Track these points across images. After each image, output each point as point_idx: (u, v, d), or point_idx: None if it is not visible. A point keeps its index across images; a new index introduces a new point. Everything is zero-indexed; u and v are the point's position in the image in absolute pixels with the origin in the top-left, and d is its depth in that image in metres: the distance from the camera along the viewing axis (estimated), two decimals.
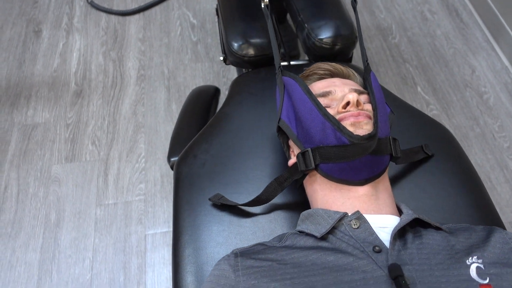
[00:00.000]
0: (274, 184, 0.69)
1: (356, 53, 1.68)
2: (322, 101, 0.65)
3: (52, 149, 1.46)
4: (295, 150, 0.68)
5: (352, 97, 0.60)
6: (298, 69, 0.99)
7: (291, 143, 0.70)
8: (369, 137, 0.56)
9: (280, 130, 0.72)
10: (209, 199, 0.74)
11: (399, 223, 0.55)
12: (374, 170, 0.60)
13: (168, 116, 1.54)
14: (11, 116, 1.54)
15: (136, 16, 1.85)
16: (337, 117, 0.60)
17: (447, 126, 1.52)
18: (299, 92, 0.64)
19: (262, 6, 0.76)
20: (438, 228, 0.58)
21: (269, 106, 0.88)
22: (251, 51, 0.98)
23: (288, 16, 1.59)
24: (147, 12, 1.87)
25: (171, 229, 1.30)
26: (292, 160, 0.67)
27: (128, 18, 1.85)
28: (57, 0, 1.92)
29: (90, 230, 1.30)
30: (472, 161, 1.44)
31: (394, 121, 0.69)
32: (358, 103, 0.60)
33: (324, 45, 0.98)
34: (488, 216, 0.73)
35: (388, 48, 1.75)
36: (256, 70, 0.98)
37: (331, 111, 0.63)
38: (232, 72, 1.66)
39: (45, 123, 1.53)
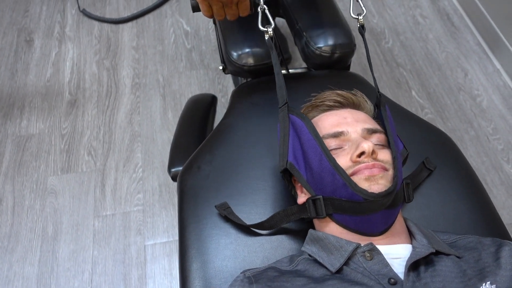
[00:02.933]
0: (281, 215, 0.67)
1: (354, 60, 1.69)
2: (334, 142, 0.62)
3: (47, 160, 1.45)
4: (303, 188, 0.65)
5: (368, 147, 0.57)
6: (296, 78, 0.99)
7: (297, 182, 0.67)
8: (386, 194, 0.54)
9: (285, 171, 0.67)
10: (215, 207, 0.74)
11: (413, 254, 0.54)
12: (389, 222, 0.59)
13: (164, 125, 1.53)
14: (5, 127, 1.52)
15: (129, 24, 1.84)
16: (351, 169, 0.58)
17: (442, 130, 1.53)
18: (307, 135, 0.61)
19: (266, 38, 0.75)
20: (448, 254, 0.57)
21: (271, 115, 0.88)
22: (250, 61, 0.97)
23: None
24: (140, 20, 1.86)
25: (171, 239, 1.29)
26: (302, 200, 0.64)
27: (121, 26, 1.84)
28: (48, 8, 1.90)
29: (89, 242, 1.29)
30: None
31: (405, 156, 0.67)
32: (373, 152, 0.58)
33: (323, 54, 0.98)
34: (491, 221, 0.74)
35: (381, 53, 1.76)
36: (256, 79, 0.98)
37: (343, 156, 0.60)
38: (228, 79, 1.66)
39: (39, 134, 1.51)
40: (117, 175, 1.41)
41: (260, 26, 0.75)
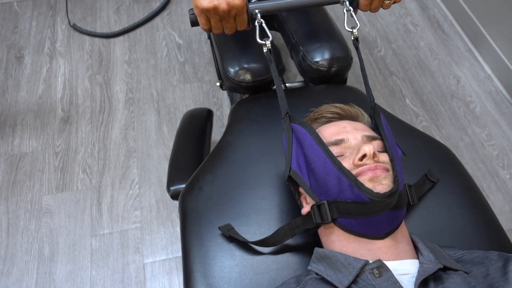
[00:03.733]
0: (285, 229, 0.66)
1: (350, 74, 1.70)
2: (335, 149, 0.63)
3: (41, 179, 1.42)
4: (307, 198, 0.66)
5: (369, 149, 0.58)
6: (295, 93, 0.99)
7: (302, 190, 0.68)
8: (391, 194, 0.55)
9: (290, 178, 0.69)
10: (219, 228, 0.73)
11: (422, 271, 0.54)
12: (394, 223, 0.59)
13: (160, 139, 1.52)
14: None
15: (121, 38, 1.83)
16: (354, 172, 0.59)
17: (437, 138, 1.54)
18: (310, 142, 0.62)
19: (265, 50, 0.75)
20: (456, 269, 0.58)
21: (271, 132, 0.88)
22: (248, 77, 0.97)
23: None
24: (131, 34, 1.85)
25: (170, 256, 1.28)
26: (306, 209, 0.64)
27: (112, 40, 1.82)
28: (38, 24, 1.88)
29: (86, 262, 1.26)
30: None
31: (404, 163, 0.68)
32: (374, 155, 0.59)
33: (320, 68, 0.98)
34: (495, 235, 0.74)
35: (374, 62, 1.77)
36: (254, 96, 0.97)
37: (346, 161, 0.61)
38: (222, 92, 1.65)
39: (32, 152, 1.49)
40: (113, 192, 1.40)
41: (258, 39, 0.75)
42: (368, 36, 1.86)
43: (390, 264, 0.57)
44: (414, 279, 0.54)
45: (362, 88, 1.63)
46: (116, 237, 1.31)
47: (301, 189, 0.69)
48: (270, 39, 0.74)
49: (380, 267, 0.55)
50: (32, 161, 1.47)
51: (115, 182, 1.42)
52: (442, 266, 0.56)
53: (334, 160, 0.58)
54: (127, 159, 1.47)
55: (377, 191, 0.55)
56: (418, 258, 0.60)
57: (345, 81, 1.07)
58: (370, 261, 0.57)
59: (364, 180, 0.57)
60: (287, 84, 1.09)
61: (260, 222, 0.75)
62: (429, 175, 0.78)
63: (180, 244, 1.29)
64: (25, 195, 1.39)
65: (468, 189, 0.80)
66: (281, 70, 1.69)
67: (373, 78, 1.72)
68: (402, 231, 0.62)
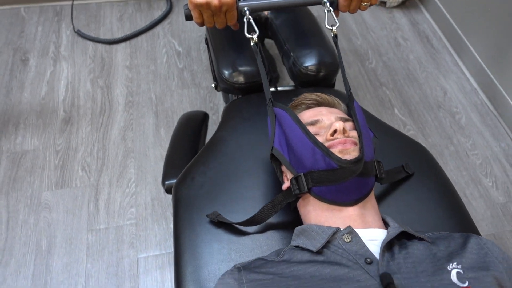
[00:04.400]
0: (268, 206, 0.73)
1: (339, 79, 1.77)
2: (311, 129, 0.71)
3: (42, 175, 1.48)
4: (288, 175, 0.73)
5: (339, 125, 0.66)
6: (285, 94, 1.05)
7: (284, 168, 0.75)
8: (356, 161, 0.62)
9: (273, 157, 0.76)
10: (207, 216, 0.79)
11: (387, 236, 0.61)
12: (362, 191, 0.66)
13: (157, 141, 1.58)
14: None
15: (123, 44, 1.91)
16: (326, 144, 0.66)
17: (424, 145, 1.61)
18: (290, 122, 0.70)
19: (252, 44, 0.82)
20: (421, 239, 0.64)
21: (261, 129, 0.94)
22: (241, 79, 1.04)
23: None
24: (133, 41, 1.93)
25: (163, 251, 1.32)
26: (286, 185, 0.72)
27: (115, 46, 1.90)
28: (44, 29, 1.95)
29: (82, 255, 1.31)
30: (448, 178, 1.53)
31: (377, 144, 0.75)
32: (344, 131, 0.67)
33: (309, 72, 1.05)
34: (464, 224, 0.80)
35: (365, 73, 1.85)
36: (246, 96, 1.04)
37: (320, 138, 0.68)
38: (218, 98, 1.72)
39: (34, 150, 1.54)
40: (111, 190, 1.45)
41: (246, 34, 0.81)
42: (360, 48, 1.94)
43: (359, 231, 0.63)
44: (381, 244, 0.60)
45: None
46: (112, 232, 1.36)
47: (283, 167, 0.76)
48: (257, 33, 0.82)
49: (350, 233, 0.62)
50: (33, 159, 1.52)
51: (112, 180, 1.47)
52: (403, 230, 0.63)
53: (309, 135, 0.66)
54: (125, 159, 1.53)
55: (345, 158, 0.62)
56: (386, 230, 0.66)
57: (333, 85, 1.13)
58: (342, 228, 0.63)
59: (335, 151, 0.65)
60: (278, 88, 1.15)
61: (247, 209, 0.81)
62: (405, 167, 0.85)
63: (173, 240, 1.34)
64: (25, 190, 1.44)
65: (442, 184, 0.86)
66: (276, 78, 1.76)
67: (364, 88, 1.79)
68: (371, 202, 0.69)
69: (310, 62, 1.05)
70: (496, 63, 1.69)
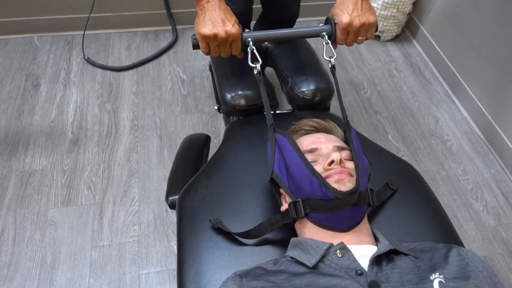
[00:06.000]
0: (266, 224, 0.78)
1: (333, 104, 1.85)
2: (310, 156, 0.76)
3: (48, 194, 1.54)
4: (286, 198, 0.79)
5: (336, 156, 0.71)
6: (284, 117, 1.13)
7: (282, 191, 0.80)
8: (351, 192, 0.67)
9: (272, 180, 0.80)
10: (209, 221, 0.84)
11: (376, 252, 0.66)
12: (356, 219, 0.71)
13: (160, 163, 1.65)
14: (9, 163, 1.62)
15: (130, 72, 2.01)
16: (324, 174, 0.71)
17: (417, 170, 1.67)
18: (290, 149, 0.75)
19: (255, 72, 0.88)
20: (407, 254, 0.69)
21: (260, 148, 1.01)
22: (242, 102, 1.12)
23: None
24: (140, 68, 2.03)
25: (164, 268, 1.37)
26: (284, 207, 0.77)
27: (122, 73, 2.00)
28: (55, 57, 2.06)
29: (85, 270, 1.35)
30: (440, 201, 1.59)
31: (370, 171, 0.81)
32: (341, 161, 0.72)
33: (305, 97, 1.13)
34: (448, 235, 0.86)
35: (361, 101, 1.94)
36: (247, 118, 1.12)
37: (317, 166, 0.74)
38: (220, 122, 1.80)
39: (42, 170, 1.61)
40: (115, 208, 1.50)
41: (249, 63, 0.89)
42: (355, 79, 2.04)
43: (351, 247, 0.68)
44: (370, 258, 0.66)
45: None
46: (115, 249, 1.40)
47: (281, 190, 0.81)
48: (260, 63, 0.89)
49: (343, 248, 0.67)
50: (41, 178, 1.58)
51: (116, 199, 1.53)
52: (393, 248, 0.68)
53: (308, 165, 0.71)
54: (129, 179, 1.59)
55: (340, 190, 0.67)
56: (377, 246, 0.71)
57: (328, 109, 1.21)
58: (335, 244, 0.68)
59: (331, 181, 0.69)
60: (277, 111, 1.23)
61: (245, 220, 0.86)
62: (389, 184, 0.91)
63: (174, 257, 1.39)
64: (32, 208, 1.50)
65: (427, 199, 0.92)
66: (275, 105, 1.85)
67: (359, 116, 1.88)
68: (365, 226, 0.74)
69: (306, 88, 1.13)
70: (485, 95, 1.78)
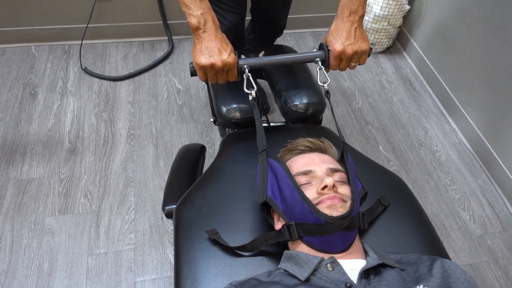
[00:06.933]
0: (261, 239, 0.82)
1: (325, 115, 1.90)
2: (304, 178, 0.79)
3: (46, 202, 1.56)
4: (281, 218, 0.80)
5: (329, 182, 0.73)
6: (277, 130, 1.17)
7: (274, 213, 0.83)
8: (342, 218, 0.70)
9: (263, 204, 0.81)
10: (206, 231, 0.88)
11: (365, 265, 0.70)
12: (347, 242, 0.75)
13: (156, 172, 1.68)
14: (7, 171, 1.64)
15: (127, 81, 2.04)
16: (317, 200, 0.74)
17: (406, 181, 1.72)
18: (282, 174, 0.78)
19: (250, 99, 0.92)
20: (394, 267, 0.73)
21: (255, 160, 1.05)
22: (237, 114, 1.16)
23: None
24: (136, 78, 2.06)
25: (159, 276, 1.39)
26: (278, 226, 0.80)
27: (119, 83, 2.03)
28: (52, 66, 2.09)
29: (82, 278, 1.38)
30: (428, 211, 1.63)
31: (363, 194, 0.85)
32: (334, 186, 0.74)
33: (298, 110, 1.17)
34: (434, 247, 0.90)
35: (352, 112, 1.98)
36: (242, 130, 1.16)
37: (311, 189, 0.76)
38: (215, 132, 1.84)
39: (39, 178, 1.63)
40: (111, 217, 1.53)
41: (245, 89, 0.92)
42: (347, 90, 2.09)
43: (341, 261, 0.72)
44: (358, 272, 0.69)
45: (334, 128, 1.83)
46: (111, 257, 1.43)
47: (273, 212, 0.84)
48: (255, 89, 0.92)
49: (333, 262, 0.71)
50: (38, 186, 1.61)
51: (113, 208, 1.56)
52: (381, 262, 0.72)
53: (299, 191, 0.74)
54: (125, 188, 1.62)
55: (332, 215, 0.71)
56: (366, 259, 0.75)
57: (320, 122, 1.26)
58: (325, 258, 0.72)
59: (323, 207, 0.72)
60: (271, 124, 1.27)
61: (240, 230, 0.90)
62: (381, 200, 0.94)
63: (169, 265, 1.42)
64: (29, 216, 1.52)
65: (415, 212, 0.96)
66: (266, 109, 1.89)
67: (351, 126, 1.92)
68: (355, 244, 0.77)
69: (299, 101, 1.17)
70: (473, 107, 1.84)
